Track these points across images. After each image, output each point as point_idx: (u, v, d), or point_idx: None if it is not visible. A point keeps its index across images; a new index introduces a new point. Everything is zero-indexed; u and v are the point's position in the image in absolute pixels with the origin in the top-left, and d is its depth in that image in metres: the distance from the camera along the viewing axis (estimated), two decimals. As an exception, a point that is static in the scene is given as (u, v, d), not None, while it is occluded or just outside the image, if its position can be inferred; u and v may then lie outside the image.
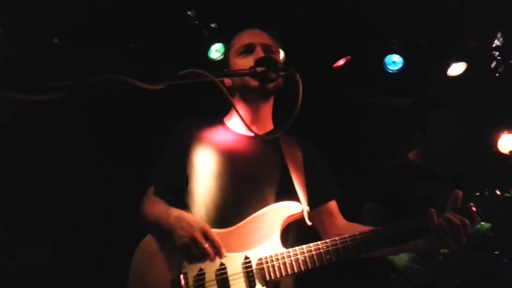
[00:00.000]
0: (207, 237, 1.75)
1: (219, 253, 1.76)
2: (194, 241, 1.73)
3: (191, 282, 1.78)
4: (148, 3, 3.34)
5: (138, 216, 2.06)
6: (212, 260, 1.76)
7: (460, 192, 1.77)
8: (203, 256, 1.75)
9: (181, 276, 1.79)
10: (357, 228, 1.90)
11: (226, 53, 2.27)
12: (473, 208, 1.78)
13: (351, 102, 3.84)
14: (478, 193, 1.82)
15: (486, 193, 1.81)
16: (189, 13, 3.50)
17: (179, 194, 2.02)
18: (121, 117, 3.54)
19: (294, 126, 1.53)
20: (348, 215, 2.16)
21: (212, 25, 3.57)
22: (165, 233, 1.86)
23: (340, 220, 2.10)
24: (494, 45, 3.63)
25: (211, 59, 3.60)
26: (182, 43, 3.58)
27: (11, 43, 3.30)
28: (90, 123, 3.46)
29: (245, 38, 2.15)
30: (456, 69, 3.66)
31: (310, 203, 2.00)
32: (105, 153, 3.46)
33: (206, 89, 1.79)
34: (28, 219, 3.14)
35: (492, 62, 3.65)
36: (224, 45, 3.57)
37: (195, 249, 1.74)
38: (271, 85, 1.99)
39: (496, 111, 3.41)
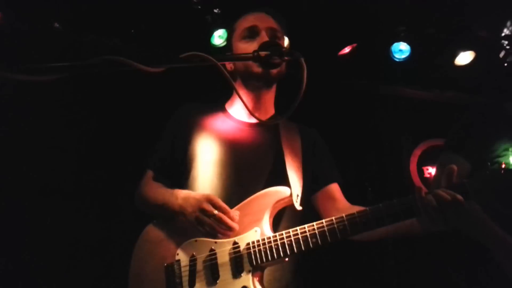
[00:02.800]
0: (214, 205, 1.75)
1: (230, 217, 1.76)
2: (203, 212, 1.75)
3: (184, 268, 1.78)
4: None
5: (137, 200, 2.04)
6: (228, 227, 1.75)
7: (454, 167, 1.59)
8: (217, 224, 1.75)
9: (174, 262, 1.80)
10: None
11: (229, 36, 2.22)
12: (470, 186, 1.56)
13: (358, 91, 3.78)
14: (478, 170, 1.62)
15: (490, 168, 1.61)
16: (192, -2, 3.44)
17: (177, 180, 2.00)
18: (119, 99, 3.48)
19: (297, 113, 1.48)
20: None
21: (215, 11, 3.50)
22: (170, 216, 1.87)
23: (342, 203, 2.02)
24: (503, 34, 3.57)
25: (214, 45, 3.55)
26: (184, 29, 3.53)
27: (12, 27, 3.27)
28: (86, 107, 3.41)
29: (249, 21, 2.08)
30: (464, 58, 3.60)
31: (309, 188, 1.97)
32: (102, 138, 3.42)
33: (208, 73, 1.75)
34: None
35: (500, 52, 3.59)
36: (227, 31, 3.51)
37: (207, 220, 1.74)
38: (274, 71, 1.94)
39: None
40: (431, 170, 3.86)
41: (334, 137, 3.54)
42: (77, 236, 3.13)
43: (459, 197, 1.53)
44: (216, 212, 1.74)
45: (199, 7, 3.47)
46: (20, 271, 3.00)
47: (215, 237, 1.78)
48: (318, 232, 1.69)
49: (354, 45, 3.65)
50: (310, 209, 2.04)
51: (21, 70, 1.21)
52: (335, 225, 1.68)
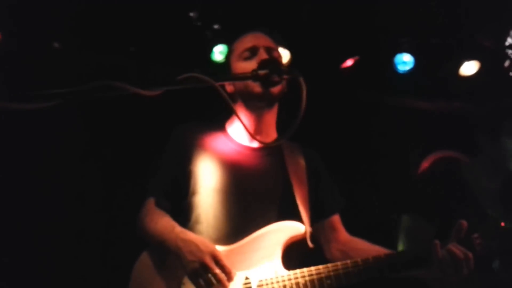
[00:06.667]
0: (217, 262, 1.69)
1: (229, 278, 1.70)
2: (204, 267, 1.68)
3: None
4: (149, 4, 3.27)
5: (138, 229, 1.97)
6: (223, 286, 1.70)
7: (464, 223, 1.73)
8: (215, 281, 1.69)
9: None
10: (359, 245, 1.91)
11: (228, 58, 2.19)
12: (478, 241, 1.73)
13: (361, 104, 3.73)
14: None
15: (493, 224, 1.77)
16: (191, 14, 3.43)
17: (179, 205, 1.95)
18: (117, 122, 3.46)
19: (299, 131, 1.45)
20: (357, 223, 2.10)
21: (215, 27, 3.48)
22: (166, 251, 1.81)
23: (342, 235, 2.06)
24: (507, 44, 3.53)
25: (214, 61, 3.52)
26: (184, 45, 3.51)
27: (10, 48, 3.26)
28: (85, 130, 3.39)
29: (247, 41, 2.07)
30: (469, 68, 3.55)
31: (313, 218, 1.97)
32: (101, 161, 3.39)
33: (207, 93, 1.71)
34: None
35: (505, 61, 3.54)
36: (227, 47, 3.49)
37: (205, 275, 1.68)
38: (274, 90, 1.89)
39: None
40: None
41: (338, 150, 3.54)
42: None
43: (470, 254, 1.67)
44: (218, 271, 1.67)
45: (199, 23, 3.44)
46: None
47: None
48: (333, 274, 1.72)
49: (357, 58, 3.61)
50: (315, 237, 2.00)
51: (17, 98, 1.18)
52: (350, 269, 1.72)
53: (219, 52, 3.51)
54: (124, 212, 2.18)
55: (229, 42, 3.38)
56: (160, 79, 1.36)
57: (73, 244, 3.18)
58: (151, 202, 1.98)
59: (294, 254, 1.84)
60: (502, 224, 1.77)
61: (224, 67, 3.19)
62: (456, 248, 1.67)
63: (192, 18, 3.45)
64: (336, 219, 2.07)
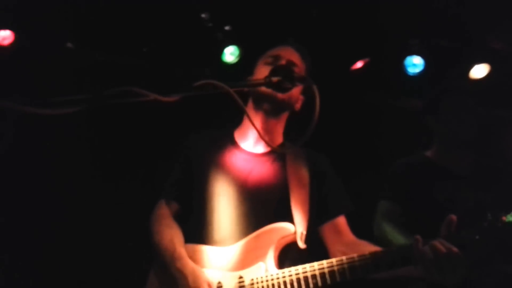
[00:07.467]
0: None
1: None
2: None
3: None
4: (161, 6, 3.31)
5: (148, 230, 2.09)
6: None
7: (453, 217, 1.66)
8: None
9: None
10: (363, 246, 1.90)
11: (256, 60, 2.30)
12: (469, 237, 1.63)
13: (371, 107, 3.73)
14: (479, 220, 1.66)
15: (489, 219, 1.64)
16: (203, 15, 3.46)
17: (187, 207, 2.08)
18: (128, 127, 3.51)
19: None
20: (366, 226, 2.13)
21: (226, 28, 3.51)
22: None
23: (347, 237, 2.06)
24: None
25: (225, 62, 3.55)
26: (196, 46, 3.54)
27: (24, 47, 3.30)
28: (99, 136, 3.44)
29: (276, 50, 2.21)
30: (479, 70, 3.54)
31: (316, 220, 2.03)
32: (114, 167, 3.44)
33: (217, 99, 1.75)
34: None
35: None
36: (238, 48, 3.51)
37: None
38: (280, 95, 1.97)
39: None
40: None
41: (346, 152, 3.55)
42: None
43: (455, 249, 1.58)
44: None
45: (210, 24, 3.47)
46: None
47: None
48: (319, 273, 1.75)
49: (367, 60, 3.61)
50: (317, 243, 2.06)
51: (39, 103, 1.21)
52: (335, 268, 1.74)
53: (230, 53, 3.54)
54: (134, 215, 2.24)
55: (240, 43, 3.46)
56: (176, 86, 1.39)
57: (83, 247, 3.22)
58: (162, 203, 2.13)
59: (292, 256, 1.91)
60: (503, 218, 1.63)
61: (234, 69, 3.27)
62: (439, 243, 1.60)
63: (203, 19, 3.47)
64: (341, 220, 2.09)
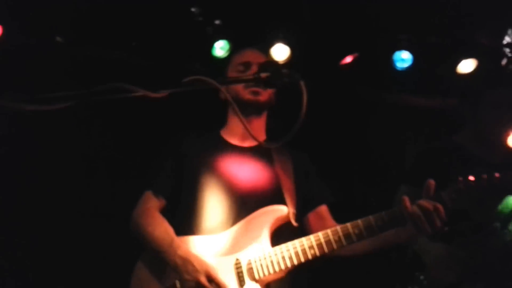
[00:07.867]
0: (211, 280, 1.81)
1: None
2: (200, 286, 1.81)
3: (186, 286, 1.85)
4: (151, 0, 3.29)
5: (133, 225, 2.08)
6: None
7: (432, 181, 1.85)
8: None
9: (177, 282, 1.86)
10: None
11: (226, 67, 2.41)
12: (447, 197, 1.85)
13: (360, 101, 3.76)
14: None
15: (460, 182, 1.87)
16: (192, 9, 3.45)
17: (176, 199, 2.11)
18: (117, 122, 3.50)
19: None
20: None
21: (217, 22, 3.51)
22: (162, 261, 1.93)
23: (330, 222, 2.17)
24: (505, 42, 3.55)
25: (215, 56, 3.55)
26: (185, 40, 3.53)
27: (13, 41, 3.27)
28: (87, 130, 3.43)
29: (243, 56, 2.31)
30: (467, 66, 3.58)
31: (301, 209, 2.13)
32: (103, 162, 3.43)
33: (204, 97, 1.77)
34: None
35: (502, 59, 3.57)
36: (228, 42, 3.51)
37: None
38: (261, 99, 2.15)
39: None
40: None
41: (335, 147, 3.57)
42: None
43: (439, 205, 1.79)
44: None
45: (200, 19, 3.47)
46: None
47: None
48: (316, 244, 1.85)
49: (356, 55, 3.63)
50: (305, 229, 2.14)
51: (26, 100, 1.21)
52: (331, 237, 1.85)
53: (220, 48, 3.53)
54: (125, 212, 2.24)
55: (230, 38, 3.46)
56: (165, 82, 1.40)
57: (77, 246, 3.22)
58: (149, 195, 2.13)
59: (285, 236, 1.97)
60: (497, 175, 1.89)
61: (225, 63, 3.26)
62: (425, 202, 1.80)
63: (193, 13, 3.47)
64: (323, 209, 2.21)
